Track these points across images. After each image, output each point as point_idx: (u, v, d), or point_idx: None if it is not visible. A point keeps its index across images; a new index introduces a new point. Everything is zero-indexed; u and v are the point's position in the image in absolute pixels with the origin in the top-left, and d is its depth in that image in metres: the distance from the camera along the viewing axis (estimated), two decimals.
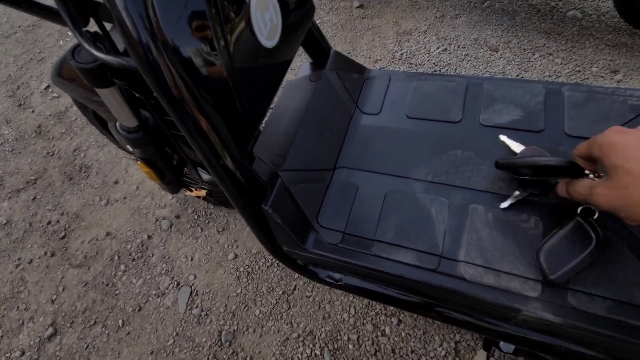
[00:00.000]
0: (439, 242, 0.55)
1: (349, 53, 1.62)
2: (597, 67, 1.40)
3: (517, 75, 1.43)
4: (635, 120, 0.57)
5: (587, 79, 1.39)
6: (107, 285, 1.18)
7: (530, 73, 1.43)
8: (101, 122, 1.04)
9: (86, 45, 0.47)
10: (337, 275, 0.64)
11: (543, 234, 0.52)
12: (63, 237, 1.30)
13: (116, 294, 1.15)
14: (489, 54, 1.50)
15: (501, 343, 0.71)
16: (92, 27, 0.51)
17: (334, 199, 0.64)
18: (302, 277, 1.08)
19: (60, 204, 1.38)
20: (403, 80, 0.76)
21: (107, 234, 1.28)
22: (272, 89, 0.55)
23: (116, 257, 1.23)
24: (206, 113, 0.45)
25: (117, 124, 0.69)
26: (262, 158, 0.64)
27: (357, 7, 1.78)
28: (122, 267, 1.20)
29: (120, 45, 0.54)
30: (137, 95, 0.70)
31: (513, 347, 0.69)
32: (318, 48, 0.76)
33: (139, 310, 1.11)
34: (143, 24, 0.37)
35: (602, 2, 1.59)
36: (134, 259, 1.21)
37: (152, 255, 1.21)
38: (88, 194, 1.39)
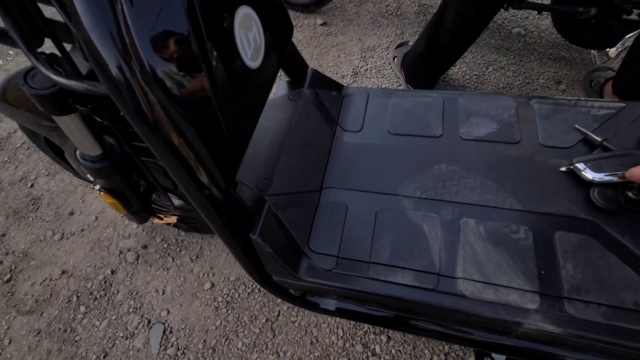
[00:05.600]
0: (435, 259, 0.55)
1: (316, 69, 1.63)
2: (543, 78, 1.53)
3: (475, 88, 1.51)
4: (599, 128, 0.61)
5: (536, 89, 1.51)
6: (65, 331, 1.04)
7: (486, 85, 1.53)
8: (54, 149, 0.95)
9: (43, 69, 0.42)
10: (333, 302, 0.61)
11: (534, 244, 0.53)
12: (8, 281, 1.14)
13: (76, 341, 1.03)
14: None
15: (493, 354, 0.72)
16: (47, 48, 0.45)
17: (324, 221, 0.62)
18: (285, 301, 1.03)
19: (3, 243, 1.22)
20: (381, 96, 0.77)
21: (63, 272, 1.15)
22: (257, 112, 0.53)
23: (75, 298, 1.10)
24: (188, 140, 0.41)
25: (78, 152, 0.62)
26: (245, 183, 0.60)
27: (320, 25, 1.81)
28: (82, 308, 1.08)
29: (82, 67, 0.49)
30: (99, 120, 0.63)
31: (504, 357, 0.69)
32: (295, 66, 0.75)
33: (105, 356, 1.00)
34: (113, 43, 0.33)
35: (541, 20, 1.75)
36: (95, 299, 1.09)
37: (118, 292, 1.10)
38: (38, 229, 1.25)
